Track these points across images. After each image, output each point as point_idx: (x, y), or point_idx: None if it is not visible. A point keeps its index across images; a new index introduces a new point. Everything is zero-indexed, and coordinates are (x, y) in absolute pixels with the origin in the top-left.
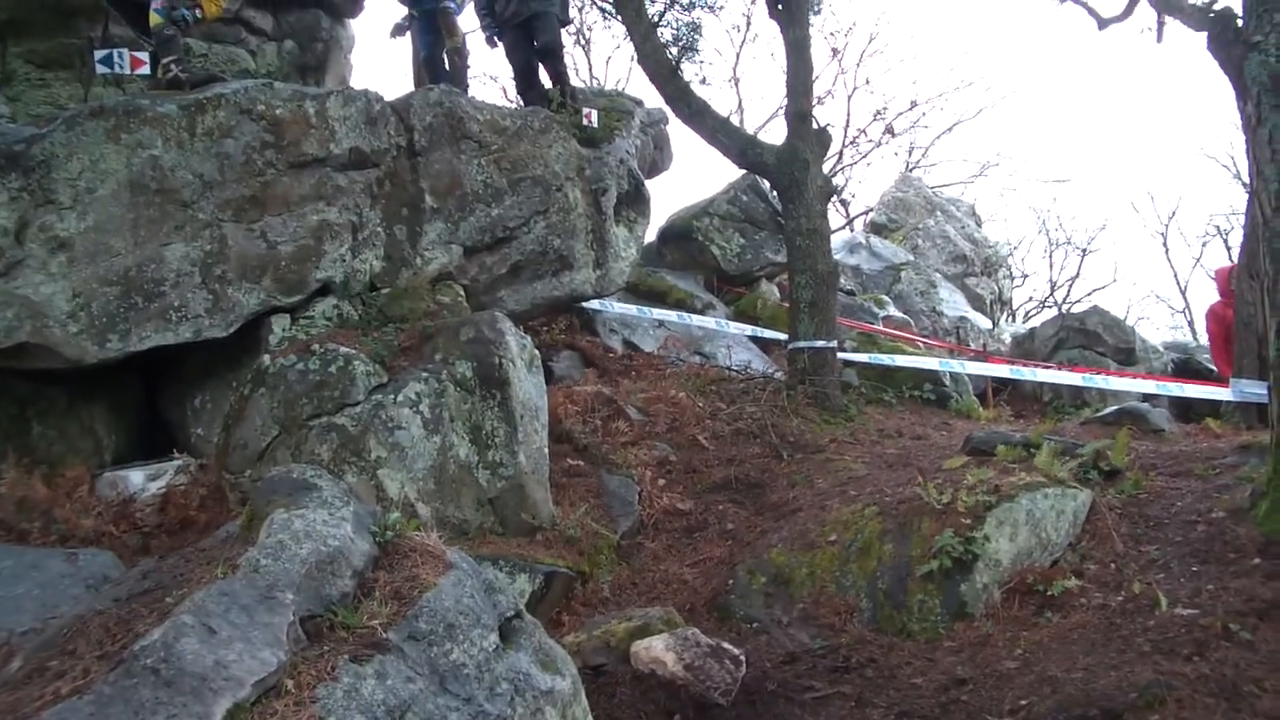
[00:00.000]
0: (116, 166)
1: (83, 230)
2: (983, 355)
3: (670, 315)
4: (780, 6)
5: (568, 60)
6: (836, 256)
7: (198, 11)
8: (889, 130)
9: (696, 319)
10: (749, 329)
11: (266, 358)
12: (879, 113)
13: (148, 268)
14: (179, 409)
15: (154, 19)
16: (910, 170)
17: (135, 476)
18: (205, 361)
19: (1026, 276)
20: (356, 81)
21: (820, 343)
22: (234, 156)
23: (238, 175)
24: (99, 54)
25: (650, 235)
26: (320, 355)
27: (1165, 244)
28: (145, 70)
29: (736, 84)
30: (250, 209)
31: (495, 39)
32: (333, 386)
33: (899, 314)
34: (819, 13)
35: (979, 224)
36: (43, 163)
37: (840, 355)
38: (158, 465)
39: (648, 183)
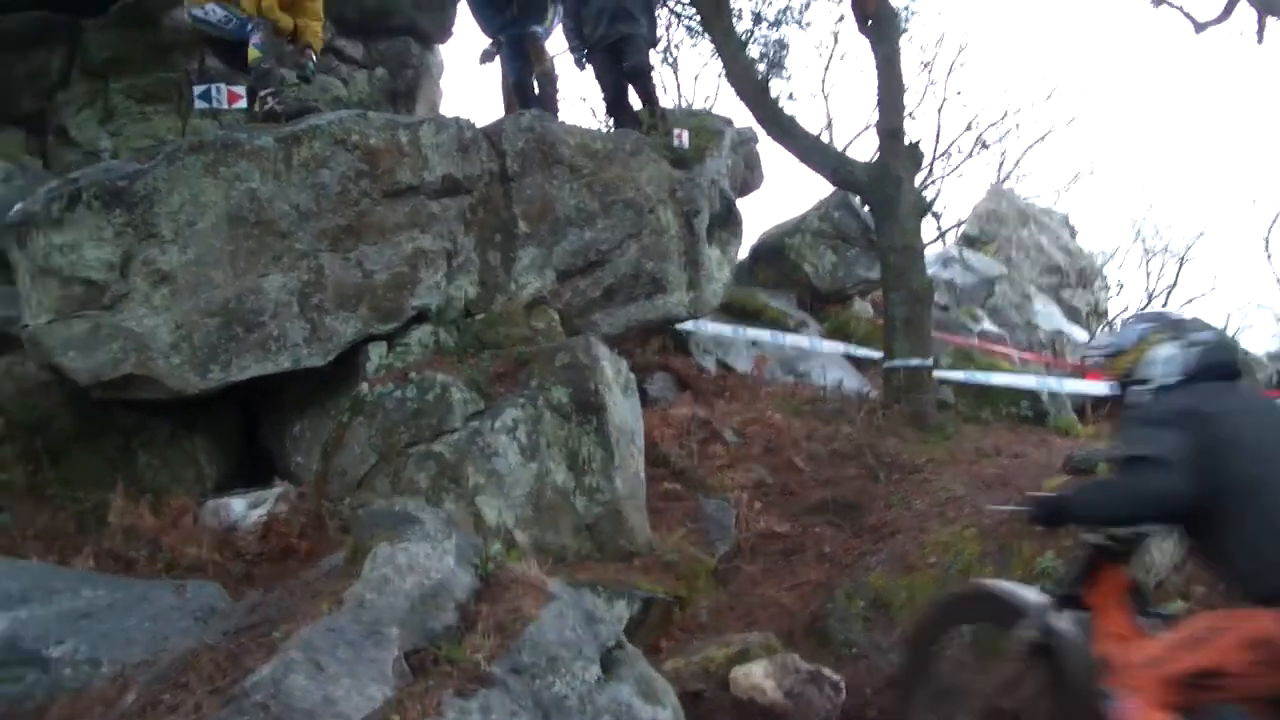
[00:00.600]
0: (216, 199)
1: (184, 263)
2: (1080, 370)
3: (764, 335)
4: (869, 23)
5: (656, 80)
6: (930, 271)
7: (311, 60)
8: (981, 142)
9: (790, 338)
10: (843, 347)
11: (364, 386)
12: (970, 124)
13: (247, 298)
14: (278, 437)
15: (253, 54)
16: (1002, 181)
17: (237, 505)
18: (304, 390)
19: (1123, 286)
20: (447, 108)
21: (915, 361)
22: (329, 187)
23: (333, 205)
24: (197, 89)
25: (742, 254)
26: (417, 383)
27: (1267, 251)
28: (242, 104)
29: (825, 98)
30: (346, 238)
31: (584, 62)
32: (430, 414)
33: (994, 328)
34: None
35: (1073, 234)
36: (145, 198)
37: (936, 373)
38: (258, 493)
39: (739, 201)
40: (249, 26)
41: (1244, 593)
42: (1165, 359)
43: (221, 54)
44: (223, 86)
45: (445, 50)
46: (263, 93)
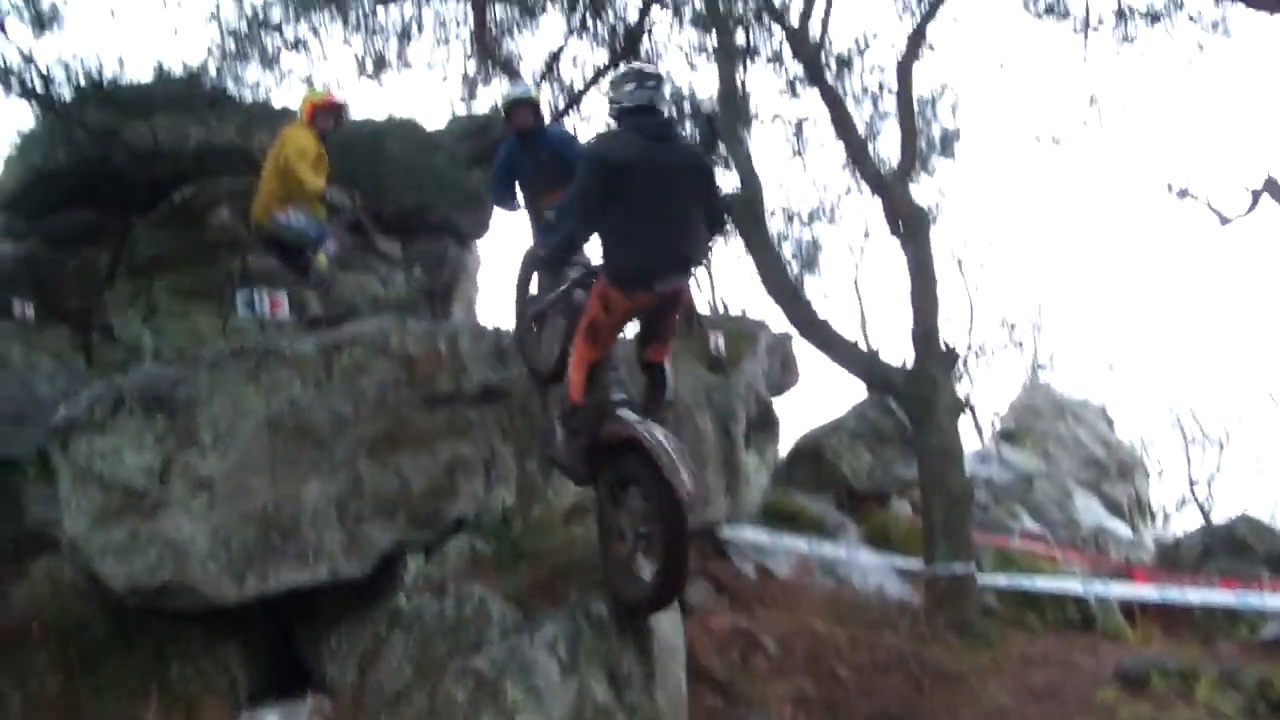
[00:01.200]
0: (256, 406)
1: (224, 470)
2: (1126, 570)
3: (801, 544)
4: (900, 226)
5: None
6: (967, 468)
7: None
8: (1015, 340)
9: (828, 548)
10: (882, 560)
11: (402, 598)
12: (1004, 320)
13: (285, 506)
14: (314, 648)
15: (322, 260)
16: (1037, 374)
17: (271, 718)
18: (340, 599)
19: (1163, 473)
20: (484, 304)
21: (958, 568)
22: (369, 394)
23: (373, 413)
24: (239, 295)
25: (781, 452)
26: (455, 595)
27: None
28: (283, 313)
29: (859, 291)
30: (385, 446)
31: None
32: (468, 628)
33: (1034, 526)
34: (935, 222)
35: (1111, 426)
36: (187, 404)
37: (979, 579)
38: (293, 706)
39: (775, 400)
40: (327, 235)
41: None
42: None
43: (284, 256)
44: (264, 293)
45: (482, 245)
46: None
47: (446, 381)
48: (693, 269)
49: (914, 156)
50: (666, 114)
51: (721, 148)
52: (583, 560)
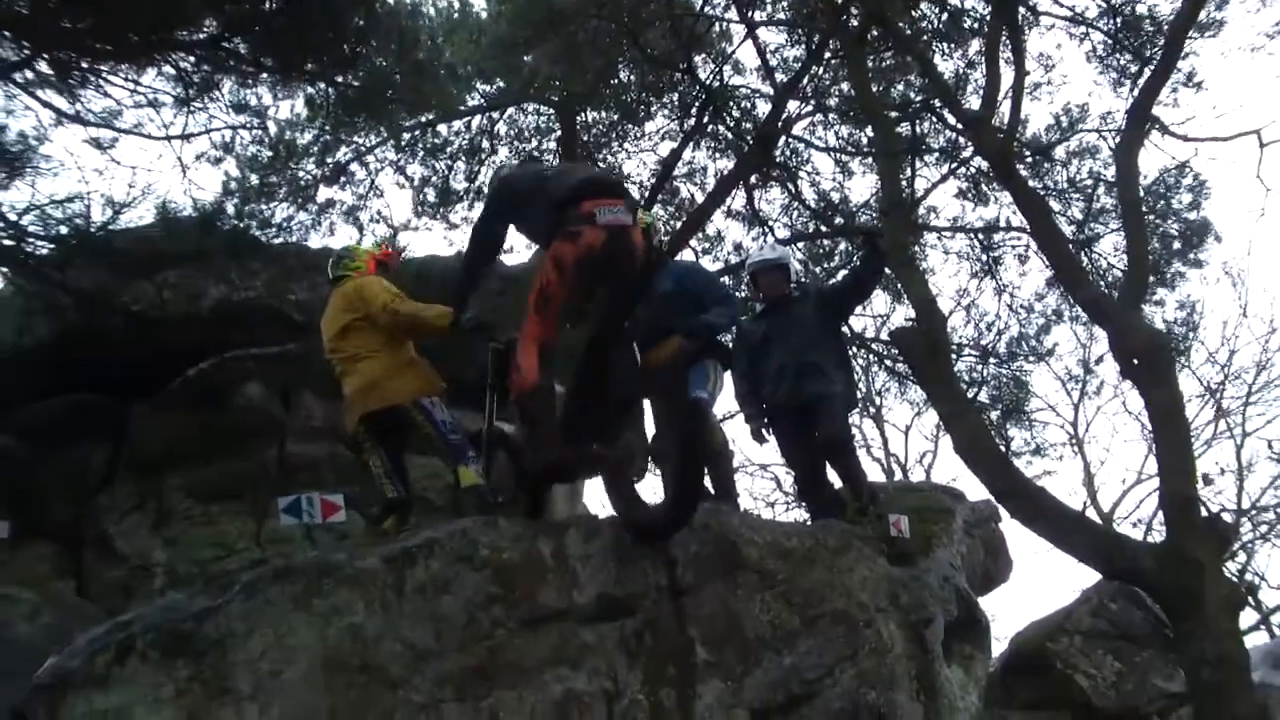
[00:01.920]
0: (308, 641)
1: None
2: None
3: None
4: (1136, 364)
5: (859, 448)
6: (1256, 676)
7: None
8: None
9: None
10: None
11: None
12: None
13: None
14: None
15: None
16: None
17: None
18: None
19: None
20: (592, 494)
21: None
22: (453, 618)
23: (458, 641)
24: (283, 502)
25: (992, 665)
26: None
27: None
28: (340, 517)
29: (1080, 446)
30: (476, 683)
31: (764, 433)
32: None
33: None
34: (1187, 360)
35: None
36: (217, 643)
37: None
38: None
39: (982, 600)
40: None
41: None
42: None
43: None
44: (315, 497)
45: None
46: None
47: (552, 595)
48: (632, 203)
49: (1146, 269)
50: None
51: (888, 271)
52: None
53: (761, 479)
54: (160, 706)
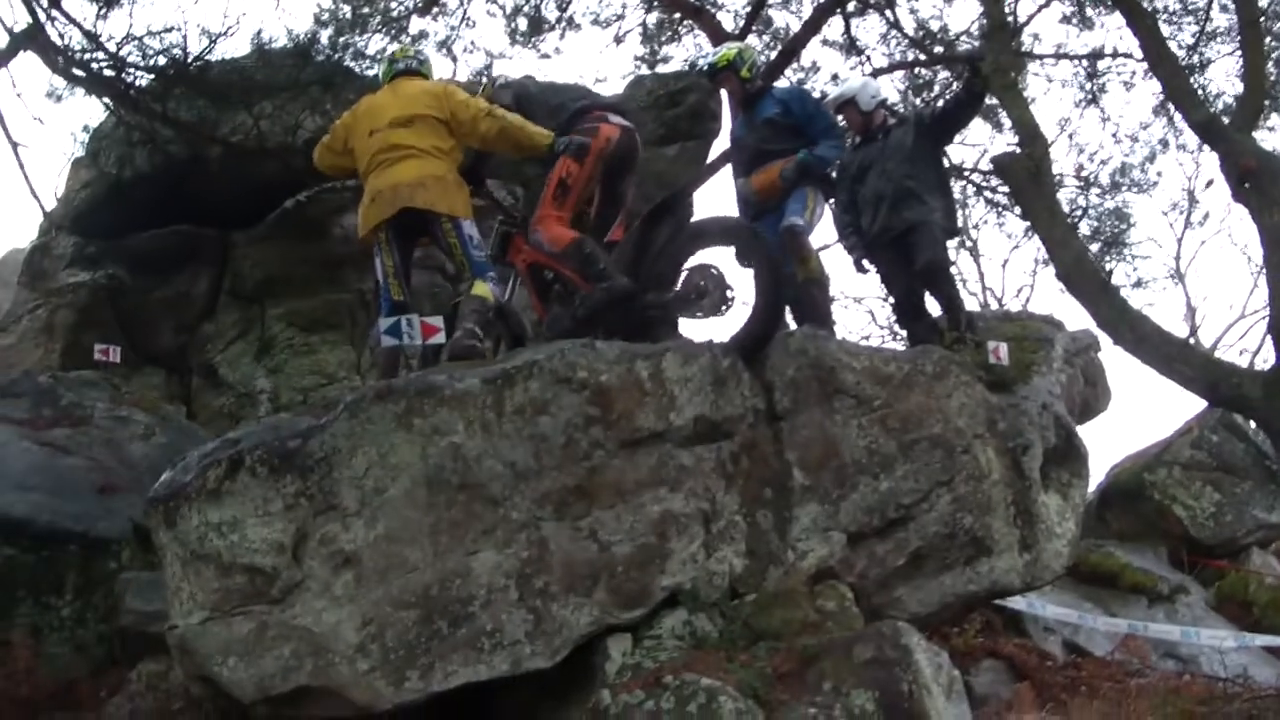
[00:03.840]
0: (410, 459)
1: (371, 541)
2: None
3: (1120, 625)
4: (1247, 186)
5: (957, 276)
6: None
7: None
8: None
9: (1156, 629)
10: (1237, 640)
11: (605, 694)
12: None
13: (452, 584)
14: None
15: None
16: None
17: None
18: (527, 698)
19: None
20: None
21: None
22: (552, 438)
23: (557, 461)
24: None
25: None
26: (675, 690)
27: None
28: (439, 339)
29: (1182, 279)
30: (575, 502)
31: (864, 264)
32: None
33: None
34: None
35: None
36: (322, 460)
37: None
38: None
39: (1080, 429)
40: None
41: None
42: None
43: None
44: (414, 318)
45: None
46: (468, 325)
47: (650, 418)
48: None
49: (1262, 89)
50: None
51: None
52: (838, 640)
53: (857, 313)
54: (270, 520)
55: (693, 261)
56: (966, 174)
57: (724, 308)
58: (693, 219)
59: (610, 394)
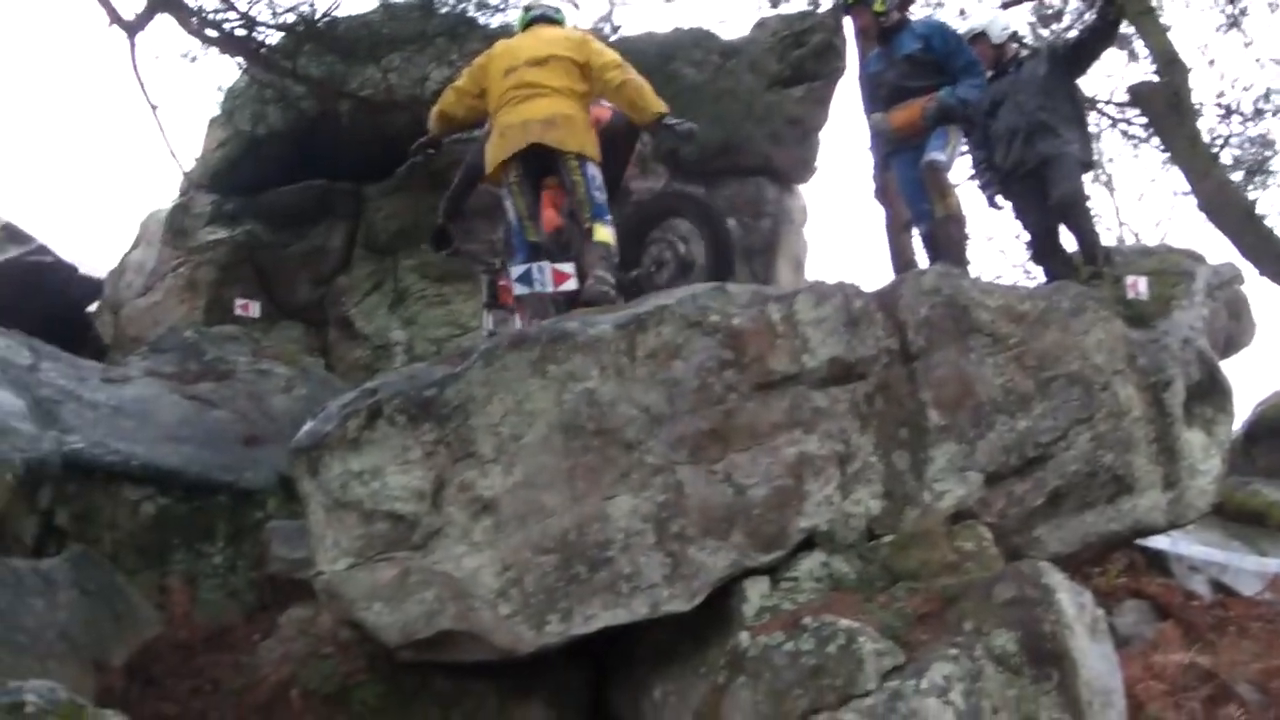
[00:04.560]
0: (545, 406)
1: (509, 487)
2: None
3: (1270, 564)
4: None
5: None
6: None
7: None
8: None
9: None
10: None
11: (744, 636)
12: None
13: (589, 528)
14: (634, 702)
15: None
16: None
17: None
18: (664, 641)
19: None
20: (814, 265)
21: None
22: (685, 382)
23: (691, 405)
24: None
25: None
26: (814, 631)
27: None
28: (570, 285)
29: None
30: (710, 446)
31: (997, 200)
32: (833, 672)
33: None
34: None
35: None
36: (459, 408)
37: None
38: None
39: (1224, 364)
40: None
41: None
42: None
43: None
44: (545, 265)
45: (807, 191)
46: (598, 272)
47: (783, 360)
48: None
49: None
50: None
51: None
52: (978, 581)
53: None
54: (410, 468)
55: (653, 235)
56: (1101, 106)
57: (688, 272)
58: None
59: (743, 337)
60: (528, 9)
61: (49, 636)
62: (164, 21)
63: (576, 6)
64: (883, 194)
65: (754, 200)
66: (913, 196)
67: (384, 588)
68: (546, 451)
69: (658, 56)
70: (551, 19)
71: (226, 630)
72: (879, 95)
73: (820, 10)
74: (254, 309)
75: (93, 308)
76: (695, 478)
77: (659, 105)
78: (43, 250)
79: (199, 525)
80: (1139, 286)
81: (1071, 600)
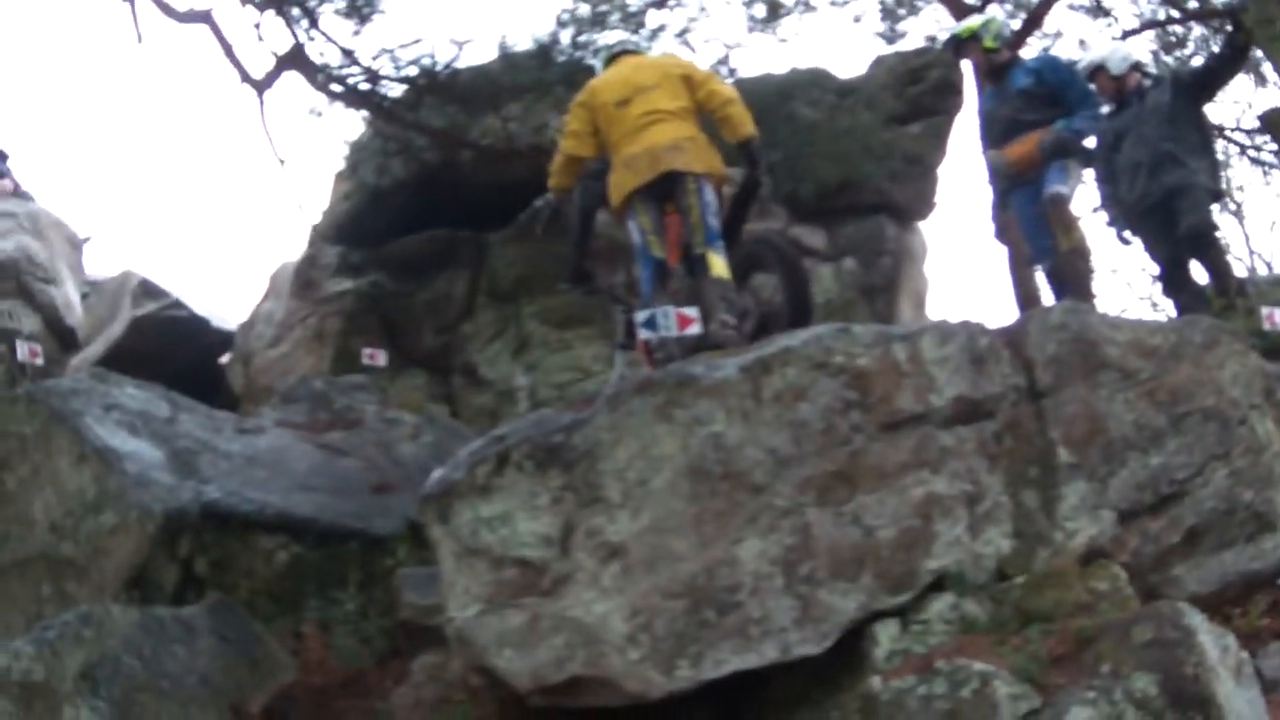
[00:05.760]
0: (671, 450)
1: (637, 532)
2: None
3: None
4: None
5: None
6: None
7: None
8: None
9: None
10: None
11: (876, 680)
12: None
13: (718, 572)
14: None
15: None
16: None
17: None
18: (795, 685)
19: None
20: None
21: None
22: (811, 424)
23: (817, 447)
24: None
25: None
26: (947, 675)
27: None
28: (695, 329)
29: None
30: (837, 487)
31: (1125, 235)
32: (968, 717)
33: None
34: None
35: None
36: (586, 453)
37: None
38: None
39: None
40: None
41: None
42: None
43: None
44: (670, 310)
45: (927, 227)
46: (721, 316)
47: (909, 400)
48: None
49: None
50: None
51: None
52: (1115, 622)
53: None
54: (538, 514)
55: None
56: (1229, 133)
57: (772, 323)
58: None
59: (868, 377)
60: (609, 47)
61: (190, 682)
62: (291, 78)
63: (693, 51)
64: (1002, 233)
65: (874, 238)
66: (1033, 233)
67: (514, 633)
68: (674, 496)
69: (775, 96)
70: (635, 51)
71: (359, 676)
72: (994, 132)
73: (938, 46)
74: (380, 358)
75: (225, 359)
76: (823, 520)
77: (753, 128)
78: (178, 304)
79: (331, 572)
80: (1275, 318)
81: (1214, 642)
